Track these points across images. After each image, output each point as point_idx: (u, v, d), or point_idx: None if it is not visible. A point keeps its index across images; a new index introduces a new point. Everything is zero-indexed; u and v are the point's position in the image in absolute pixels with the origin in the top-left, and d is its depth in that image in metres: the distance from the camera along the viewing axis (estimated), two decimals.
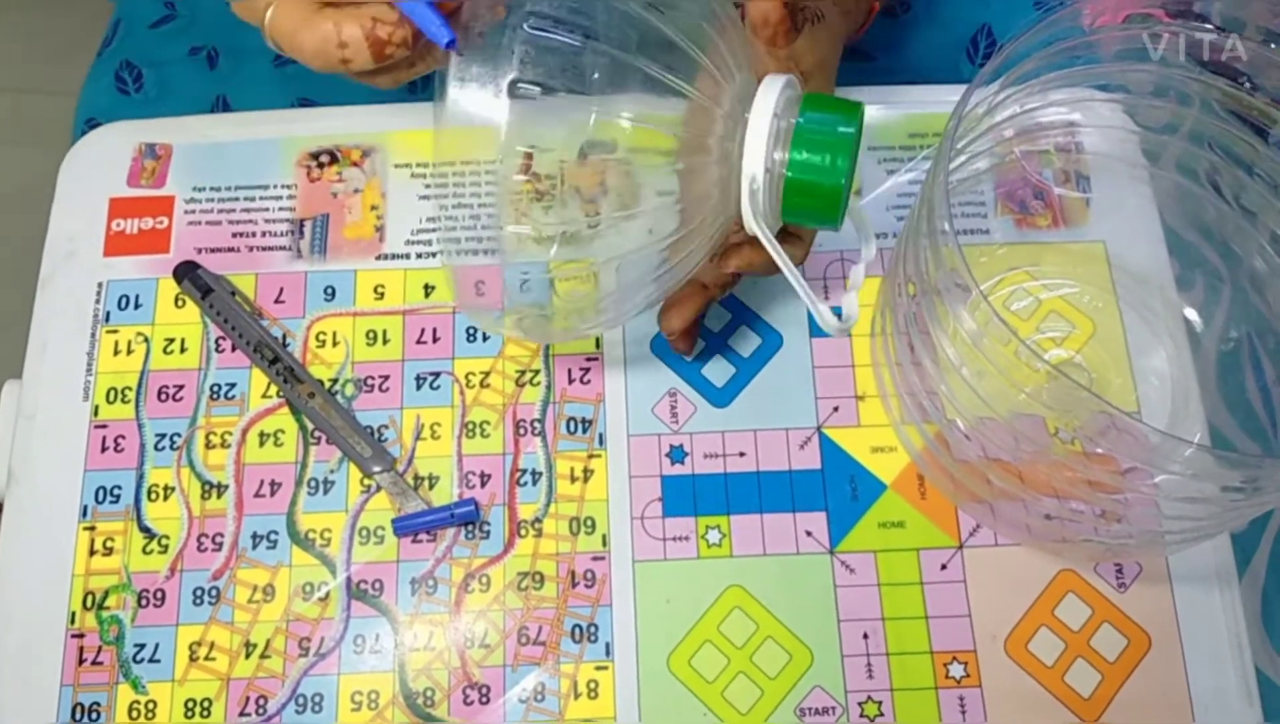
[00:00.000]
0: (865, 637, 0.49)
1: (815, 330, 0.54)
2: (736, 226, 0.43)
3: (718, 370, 0.54)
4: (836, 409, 0.53)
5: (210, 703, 0.48)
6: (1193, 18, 0.45)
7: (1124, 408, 0.52)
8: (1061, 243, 0.56)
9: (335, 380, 0.53)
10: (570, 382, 0.53)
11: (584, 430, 0.52)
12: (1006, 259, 0.55)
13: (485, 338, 0.54)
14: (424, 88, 0.69)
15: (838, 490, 0.52)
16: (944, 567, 0.50)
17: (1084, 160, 0.56)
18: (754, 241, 0.43)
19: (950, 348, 0.46)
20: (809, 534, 0.51)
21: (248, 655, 0.49)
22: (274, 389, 0.53)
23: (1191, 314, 0.55)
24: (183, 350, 0.53)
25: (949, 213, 0.41)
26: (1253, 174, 0.52)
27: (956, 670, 0.49)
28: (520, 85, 0.41)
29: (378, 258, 0.55)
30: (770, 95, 0.41)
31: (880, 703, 0.48)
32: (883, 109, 0.59)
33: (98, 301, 0.54)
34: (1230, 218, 0.54)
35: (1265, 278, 0.54)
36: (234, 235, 0.55)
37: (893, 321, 0.50)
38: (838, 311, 0.44)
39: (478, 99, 0.41)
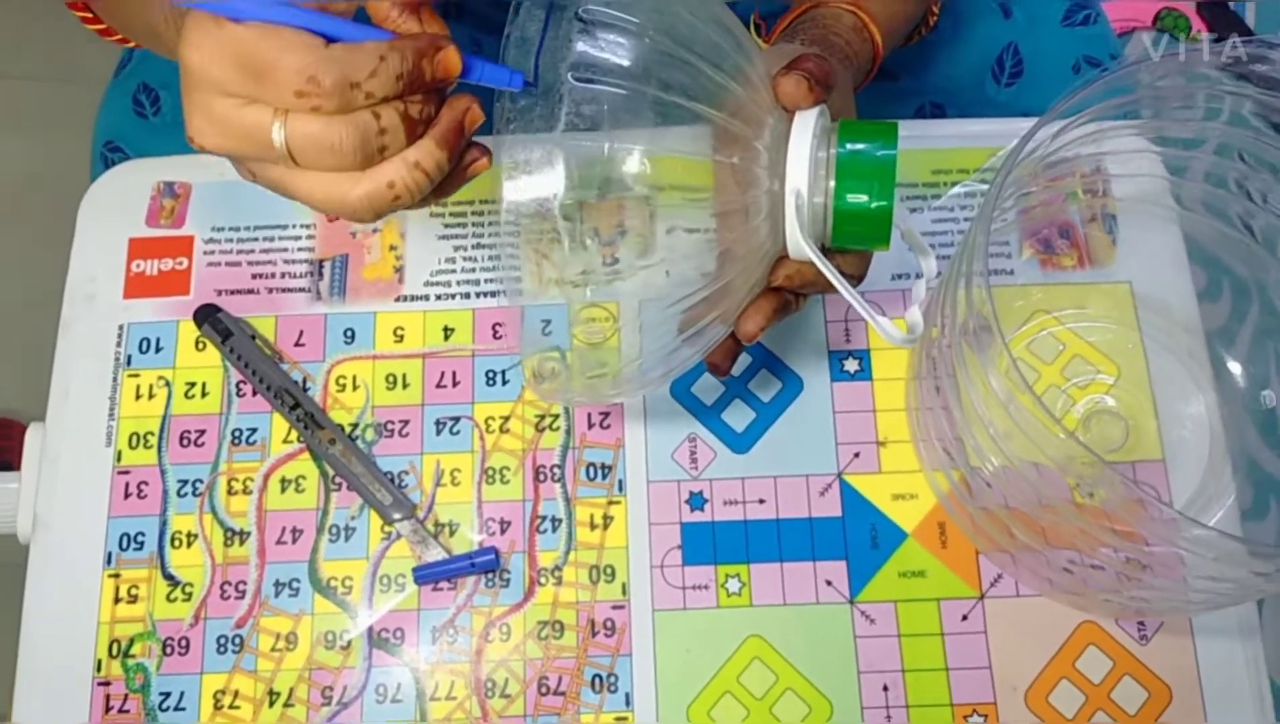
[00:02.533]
0: (885, 688, 0.49)
1: (836, 374, 0.54)
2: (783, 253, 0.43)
3: (738, 415, 0.53)
4: (857, 455, 0.53)
5: None
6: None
7: (1151, 456, 0.52)
8: (1087, 284, 0.55)
9: (355, 425, 0.53)
10: (590, 427, 0.53)
11: (603, 476, 0.52)
12: (1034, 303, 0.55)
13: (505, 382, 0.54)
14: None
15: (858, 539, 0.51)
16: (965, 617, 0.50)
17: (1111, 201, 0.55)
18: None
19: (975, 394, 0.45)
20: (829, 584, 0.51)
21: (271, 704, 0.49)
22: (295, 434, 0.53)
23: (1221, 354, 0.55)
24: (204, 394, 0.53)
25: (985, 255, 0.41)
26: (1278, 175, 0.51)
27: (976, 723, 0.49)
28: (571, 134, 0.40)
29: (397, 300, 0.55)
30: (807, 122, 0.41)
31: None
32: (904, 145, 0.58)
33: (119, 345, 0.54)
34: (1261, 216, 0.53)
35: None
36: (253, 276, 0.55)
37: (925, 365, 0.50)
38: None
39: (530, 150, 0.41)
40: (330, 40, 0.35)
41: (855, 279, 0.45)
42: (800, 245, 0.42)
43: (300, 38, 0.35)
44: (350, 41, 0.35)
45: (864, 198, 0.41)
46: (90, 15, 0.54)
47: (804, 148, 0.41)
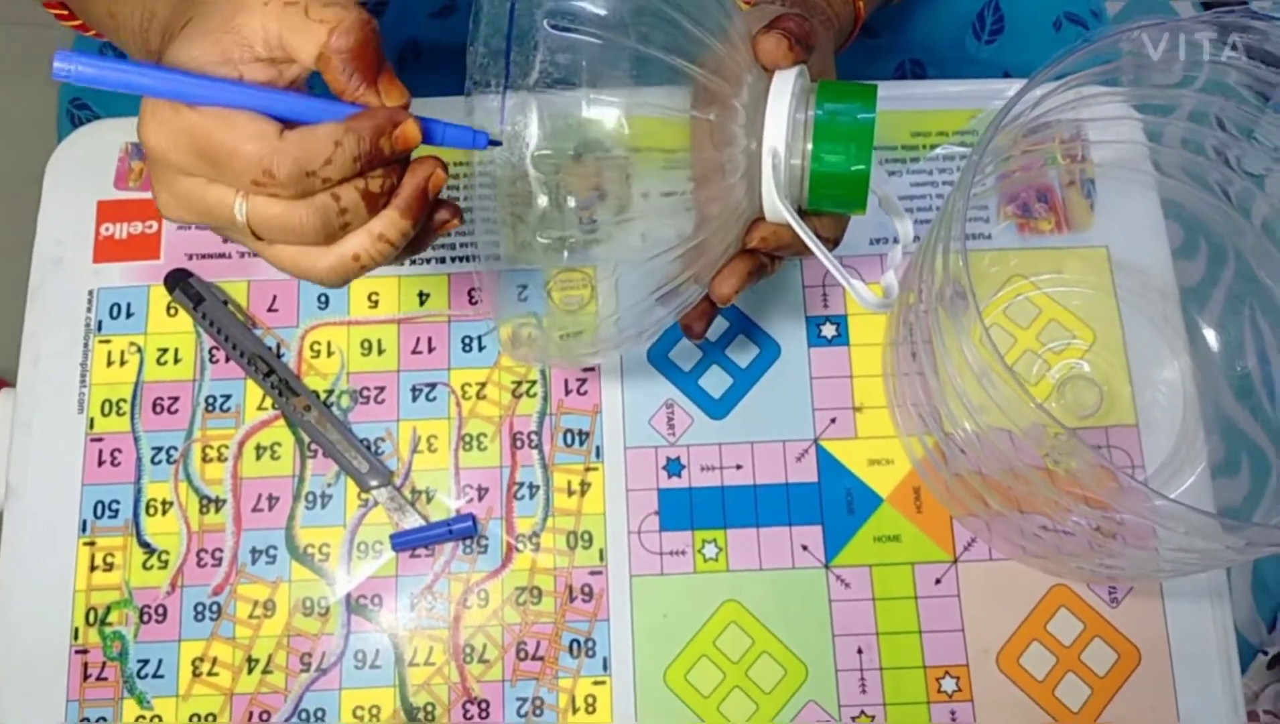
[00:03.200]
0: (859, 651, 0.50)
1: (814, 340, 0.54)
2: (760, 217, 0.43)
3: (715, 381, 0.53)
4: (834, 421, 0.53)
5: (214, 718, 0.49)
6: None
7: (1125, 421, 0.53)
8: (1064, 248, 0.55)
9: (330, 392, 0.53)
10: (567, 393, 0.53)
11: (581, 442, 0.52)
12: (1011, 268, 0.55)
13: (481, 348, 0.53)
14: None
15: (834, 504, 0.52)
16: (938, 581, 0.51)
17: (1090, 166, 0.55)
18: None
19: (950, 362, 0.45)
20: (805, 548, 0.51)
21: (250, 671, 0.49)
22: (269, 401, 0.52)
23: (1196, 320, 0.55)
24: (176, 361, 0.53)
25: (964, 223, 0.41)
26: (1253, 139, 0.51)
27: (949, 685, 0.50)
28: (543, 85, 0.40)
29: None
30: (786, 82, 0.41)
31: (873, 717, 0.49)
32: (883, 106, 0.57)
33: (89, 310, 0.53)
34: (1237, 181, 0.53)
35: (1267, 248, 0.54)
36: (225, 240, 0.55)
37: (902, 330, 0.50)
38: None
39: (499, 103, 0.40)
40: (288, 123, 0.35)
41: (832, 242, 0.45)
42: (776, 206, 0.42)
43: (254, 125, 0.34)
44: (307, 124, 0.35)
45: (841, 160, 0.41)
46: (66, 13, 0.53)
47: (782, 108, 0.41)
